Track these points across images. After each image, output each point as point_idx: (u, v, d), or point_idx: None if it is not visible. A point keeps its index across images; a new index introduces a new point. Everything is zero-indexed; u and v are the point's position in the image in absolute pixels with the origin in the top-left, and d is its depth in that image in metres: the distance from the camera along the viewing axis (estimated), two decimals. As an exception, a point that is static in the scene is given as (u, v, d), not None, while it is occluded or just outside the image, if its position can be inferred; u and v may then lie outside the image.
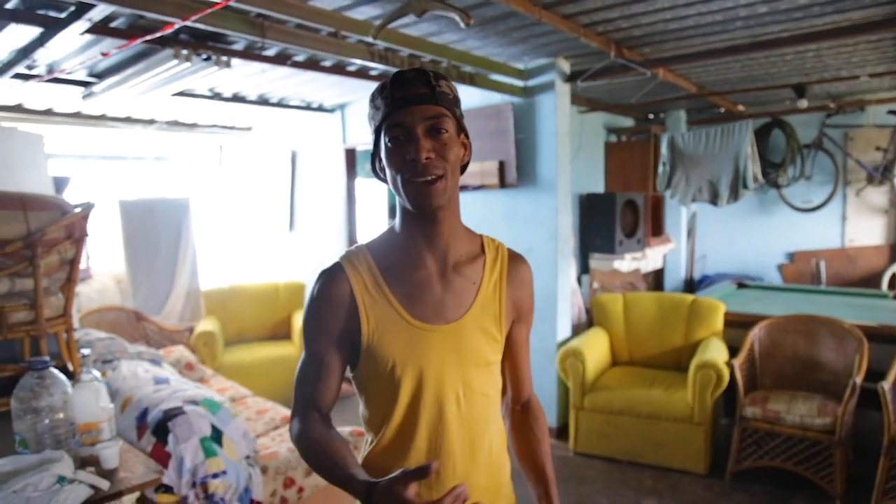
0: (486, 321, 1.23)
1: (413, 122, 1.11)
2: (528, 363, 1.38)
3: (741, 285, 5.56)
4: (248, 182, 6.35)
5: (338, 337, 1.21)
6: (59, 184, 4.42)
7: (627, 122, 6.57)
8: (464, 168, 1.23)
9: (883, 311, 4.28)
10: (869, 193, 6.03)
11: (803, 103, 4.96)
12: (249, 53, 3.38)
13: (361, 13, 2.92)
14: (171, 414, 2.27)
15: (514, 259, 1.31)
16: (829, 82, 4.83)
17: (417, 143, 1.10)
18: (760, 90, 5.14)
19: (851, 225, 6.17)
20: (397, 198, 1.20)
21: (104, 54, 2.94)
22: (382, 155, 1.17)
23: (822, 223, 6.25)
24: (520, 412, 1.40)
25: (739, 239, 6.80)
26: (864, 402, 3.32)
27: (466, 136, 1.22)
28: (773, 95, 5.52)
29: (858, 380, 3.25)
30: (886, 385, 3.05)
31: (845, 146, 6.00)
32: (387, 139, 1.13)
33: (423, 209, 1.14)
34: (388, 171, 1.16)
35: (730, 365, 3.55)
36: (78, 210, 2.37)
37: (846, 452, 3.28)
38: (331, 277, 1.22)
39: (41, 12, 2.67)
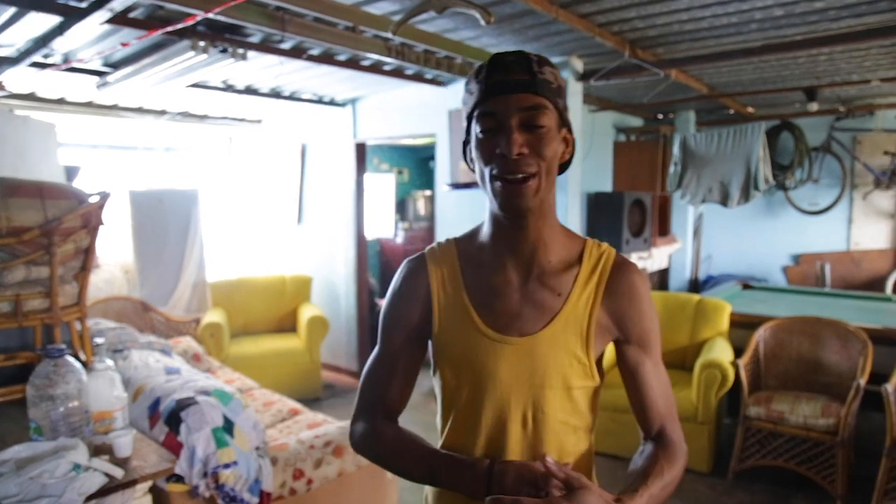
0: (571, 339, 1.07)
1: (507, 113, 0.99)
2: (653, 393, 1.12)
3: (746, 286, 5.57)
4: (257, 174, 6.37)
5: (414, 332, 1.15)
6: (70, 173, 4.45)
7: (637, 121, 6.58)
8: (564, 167, 1.10)
9: (887, 315, 4.30)
10: (876, 197, 6.04)
11: (813, 106, 4.96)
12: (266, 46, 3.39)
13: (379, 8, 2.93)
14: (184, 404, 2.28)
15: (620, 268, 1.11)
16: (839, 86, 4.83)
17: (509, 136, 0.98)
18: (770, 92, 5.14)
19: (857, 228, 6.17)
20: (486, 196, 1.09)
21: (124, 44, 2.95)
22: (472, 145, 1.06)
23: (827, 226, 6.26)
24: (649, 444, 1.12)
25: (745, 240, 6.81)
26: (867, 404, 3.34)
27: (570, 130, 1.08)
28: (782, 98, 5.52)
29: (862, 382, 3.27)
30: (890, 387, 3.07)
31: (853, 150, 6.00)
32: (478, 129, 1.02)
33: (509, 210, 1.03)
34: (476, 164, 1.06)
35: (735, 365, 3.57)
36: (95, 199, 2.39)
37: (848, 453, 3.30)
38: (410, 268, 1.17)
39: (62, 1, 2.68)
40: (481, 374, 1.08)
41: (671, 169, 5.14)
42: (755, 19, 3.20)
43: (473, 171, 1.09)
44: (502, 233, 1.09)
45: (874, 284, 5.99)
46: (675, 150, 5.14)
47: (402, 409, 1.18)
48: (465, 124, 1.08)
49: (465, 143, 1.10)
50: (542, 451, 1.07)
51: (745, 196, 4.69)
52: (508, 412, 1.07)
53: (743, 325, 4.02)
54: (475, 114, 1.03)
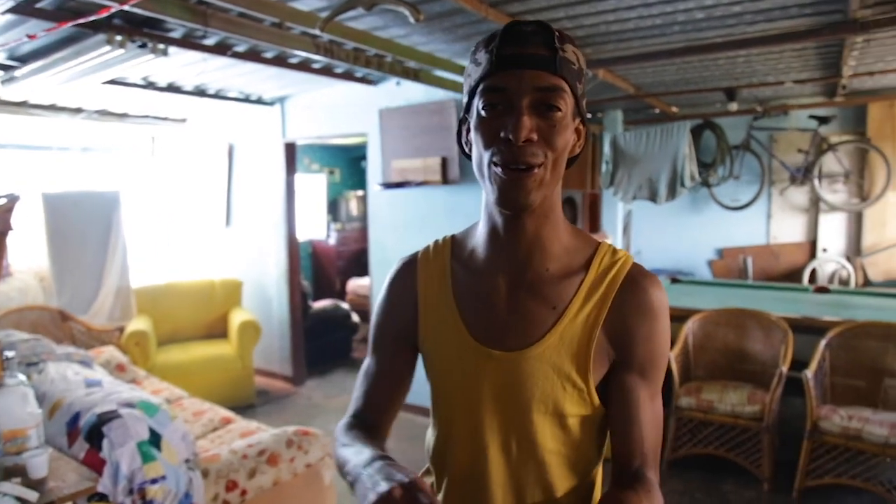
0: (564, 360, 0.93)
1: (519, 90, 0.85)
2: (641, 427, 0.93)
3: (674, 280, 5.76)
4: (182, 175, 6.13)
5: (401, 337, 1.06)
6: (-24, 175, 4.15)
7: (566, 120, 6.69)
8: (572, 161, 0.96)
9: (805, 304, 4.52)
10: (792, 193, 6.35)
11: (733, 106, 5.17)
12: (188, 42, 3.26)
13: (307, 4, 2.85)
14: (106, 418, 2.16)
15: (635, 280, 0.95)
16: (756, 87, 5.04)
17: (518, 118, 0.84)
18: (693, 92, 5.32)
19: (776, 223, 6.48)
20: (482, 184, 0.94)
21: (30, 37, 2.76)
22: (472, 124, 0.92)
23: (749, 221, 6.54)
24: (622, 483, 0.93)
25: (672, 235, 7.04)
26: (789, 390, 3.50)
27: (583, 121, 0.95)
28: (704, 98, 5.73)
29: (784, 369, 3.42)
30: (809, 373, 3.23)
31: (770, 148, 6.30)
32: (481, 105, 0.88)
33: (507, 205, 0.89)
34: (474, 147, 0.92)
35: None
36: (1, 203, 2.23)
37: (773, 438, 3.45)
38: (399, 269, 1.09)
39: (-43, -10, 2.49)
40: (461, 388, 0.98)
41: (603, 167, 5.26)
42: (678, 21, 3.29)
43: (469, 156, 0.97)
44: (496, 231, 0.96)
45: (792, 276, 6.30)
46: (606, 149, 5.26)
47: (390, 420, 1.08)
48: (465, 99, 0.94)
49: (461, 122, 0.97)
50: (526, 485, 0.96)
51: (672, 193, 4.84)
52: (489, 435, 0.96)
53: (672, 318, 4.05)
54: (480, 88, 0.88)
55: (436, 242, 1.09)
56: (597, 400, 0.95)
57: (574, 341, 0.93)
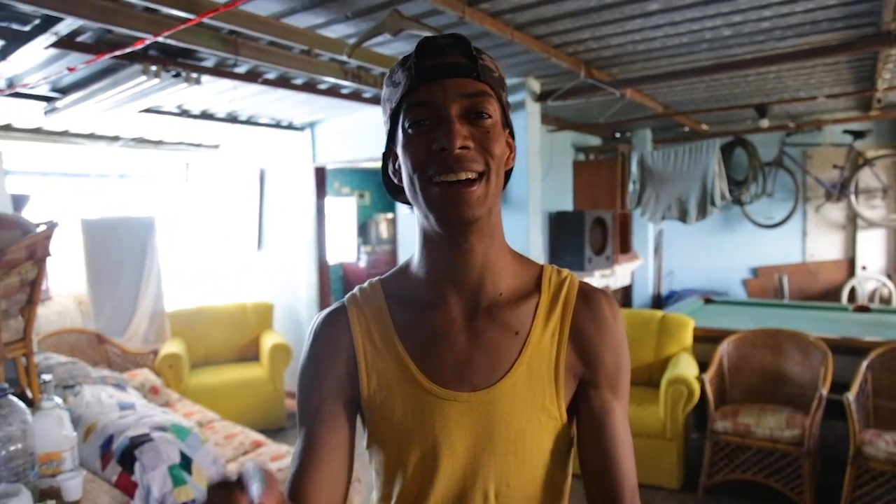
0: (537, 389, 0.86)
1: (445, 99, 0.79)
2: (622, 451, 0.87)
3: (708, 301, 5.66)
4: (215, 200, 6.25)
5: (339, 402, 0.90)
6: (18, 202, 4.29)
7: (595, 140, 6.67)
8: (508, 176, 0.91)
9: (844, 324, 4.39)
10: (827, 210, 6.22)
11: (764, 123, 5.10)
12: (220, 70, 3.34)
13: (335, 31, 2.91)
14: (138, 441, 2.19)
15: (587, 297, 0.91)
16: (788, 103, 4.97)
17: (450, 125, 0.78)
18: (723, 110, 5.27)
19: (812, 240, 6.34)
20: (416, 214, 0.88)
21: (70, 69, 2.87)
22: (399, 148, 0.85)
23: (783, 239, 6.41)
24: None
25: (705, 255, 6.93)
26: (829, 413, 3.38)
27: (512, 134, 0.89)
28: (735, 115, 5.67)
29: (824, 391, 3.32)
30: (851, 396, 3.13)
31: (804, 164, 6.19)
32: (406, 123, 0.82)
33: (451, 222, 0.81)
34: (403, 170, 0.84)
35: (700, 380, 3.59)
36: (41, 229, 2.30)
37: (814, 463, 3.33)
38: (328, 321, 0.93)
39: (3, 24, 2.60)
40: (429, 444, 0.85)
41: (630, 187, 5.22)
42: (705, 39, 3.27)
43: (398, 193, 0.90)
44: (440, 258, 0.87)
45: (830, 294, 6.14)
46: (634, 168, 5.22)
47: (345, 497, 0.90)
48: (387, 127, 0.88)
49: (386, 154, 0.90)
50: None
51: (703, 212, 4.78)
52: (465, 490, 0.85)
53: (706, 340, 4.06)
54: (404, 106, 0.82)
55: (361, 288, 0.96)
56: (571, 426, 0.90)
57: (542, 367, 0.87)
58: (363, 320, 0.92)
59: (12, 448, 1.78)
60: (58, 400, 2.00)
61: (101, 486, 1.98)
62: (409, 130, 0.82)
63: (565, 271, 0.95)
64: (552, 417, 0.87)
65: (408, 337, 0.89)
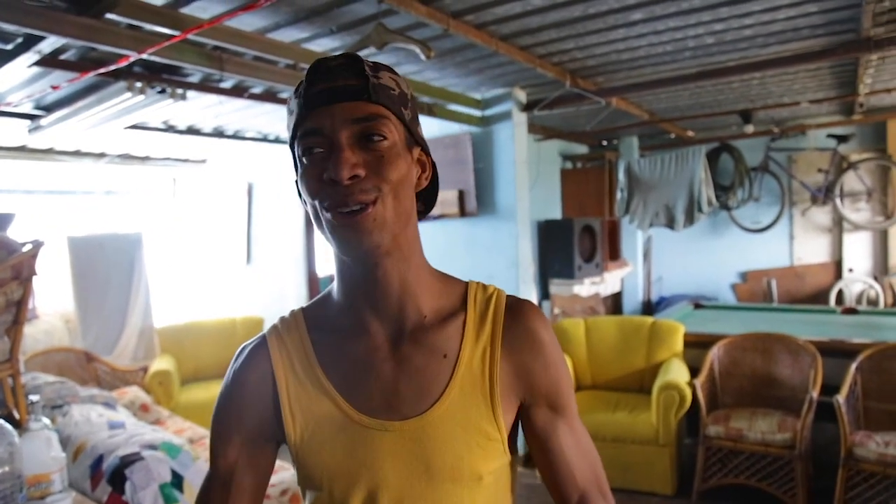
0: (472, 413, 0.83)
1: (333, 126, 0.76)
2: (569, 460, 0.88)
3: (698, 306, 5.68)
4: (203, 215, 6.23)
5: (259, 437, 0.87)
6: (3, 220, 4.24)
7: (582, 149, 6.71)
8: (426, 195, 0.90)
9: (833, 326, 4.43)
10: (813, 213, 6.28)
11: (749, 128, 5.15)
12: (205, 86, 3.34)
13: (320, 45, 2.92)
14: (129, 460, 2.16)
15: (516, 311, 0.88)
16: (772, 108, 5.03)
17: (338, 154, 0.75)
18: (709, 116, 5.32)
19: (799, 244, 6.39)
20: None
21: (54, 87, 2.86)
22: (298, 177, 0.81)
23: (771, 243, 6.46)
24: None
25: (693, 260, 6.97)
26: (820, 415, 3.40)
27: (425, 150, 0.86)
28: (720, 121, 5.73)
29: (815, 394, 3.33)
30: (841, 398, 3.14)
31: (789, 168, 6.25)
32: (300, 151, 0.79)
33: (353, 252, 0.79)
34: (305, 200, 0.81)
35: (692, 385, 3.60)
36: (26, 248, 2.28)
37: (806, 466, 3.34)
38: (246, 358, 0.89)
39: (-15, 45, 2.59)
40: (359, 477, 0.82)
41: (618, 195, 5.25)
42: (688, 47, 3.31)
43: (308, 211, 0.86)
44: (356, 284, 0.84)
45: (818, 297, 6.19)
46: (621, 176, 5.25)
47: None
48: (291, 154, 0.84)
49: (297, 181, 0.84)
50: None
51: (690, 219, 4.81)
52: None
53: (697, 345, 4.07)
54: (297, 135, 0.79)
55: (282, 319, 0.92)
56: (509, 448, 0.87)
57: (476, 389, 0.84)
58: (284, 353, 0.88)
59: (0, 471, 1.76)
60: (46, 421, 1.98)
61: (91, 507, 1.95)
62: (304, 160, 0.79)
63: (491, 287, 0.92)
64: (491, 439, 0.84)
65: (331, 368, 0.85)
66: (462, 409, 0.83)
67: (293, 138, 0.81)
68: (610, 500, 0.91)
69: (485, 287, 0.91)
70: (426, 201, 0.92)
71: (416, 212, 0.88)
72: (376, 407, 0.82)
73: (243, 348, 0.91)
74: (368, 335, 0.85)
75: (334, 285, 0.89)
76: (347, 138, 0.76)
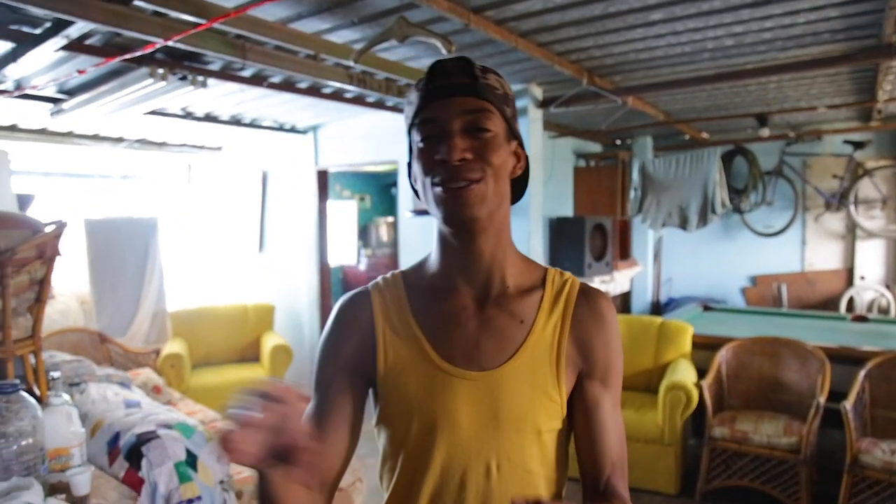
0: (539, 374, 0.94)
1: (447, 117, 0.91)
2: (608, 437, 0.98)
3: (707, 308, 5.68)
4: (217, 202, 6.28)
5: (353, 375, 0.99)
6: (24, 201, 4.31)
7: (596, 147, 6.71)
8: (521, 188, 1.02)
9: (842, 333, 4.42)
10: (827, 219, 6.25)
11: (765, 132, 5.14)
12: (226, 73, 3.38)
13: (340, 37, 2.95)
14: (145, 438, 2.21)
15: (587, 295, 1.01)
16: (788, 112, 5.02)
17: (451, 139, 0.89)
18: (724, 119, 5.31)
19: (811, 249, 6.37)
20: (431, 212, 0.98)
21: (80, 72, 2.90)
22: (413, 159, 0.97)
23: (783, 248, 6.45)
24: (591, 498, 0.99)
25: (704, 262, 6.96)
26: (827, 421, 3.41)
27: (521, 144, 0.99)
28: (736, 124, 5.71)
29: (822, 400, 3.34)
30: (848, 405, 3.15)
31: (804, 174, 6.22)
32: (417, 138, 0.94)
33: (454, 221, 0.92)
34: (417, 178, 0.96)
35: (698, 386, 3.62)
36: (50, 229, 2.33)
37: (811, 471, 3.36)
38: (350, 302, 1.03)
39: (14, 27, 2.63)
40: (436, 414, 0.93)
41: (631, 195, 5.26)
42: (707, 49, 3.31)
43: (418, 191, 1.00)
44: (452, 252, 0.98)
45: (828, 304, 6.17)
46: (635, 175, 5.26)
47: (339, 476, 0.99)
48: (407, 141, 0.99)
49: (409, 164, 1.00)
50: None
51: (703, 220, 4.81)
52: (469, 462, 0.93)
53: (705, 347, 4.09)
54: (415, 123, 0.94)
55: (384, 278, 1.06)
56: (564, 411, 0.98)
57: (545, 354, 0.96)
58: (383, 303, 1.01)
59: (23, 442, 1.81)
60: (66, 397, 2.03)
61: (109, 481, 2.00)
62: (420, 144, 0.94)
63: (567, 273, 1.04)
64: (553, 401, 0.95)
65: (423, 319, 0.98)
66: (531, 369, 0.94)
67: (412, 125, 0.96)
68: (627, 486, 0.99)
69: (562, 273, 1.04)
70: (518, 190, 1.03)
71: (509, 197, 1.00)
72: (458, 357, 0.95)
73: (348, 296, 1.05)
74: (458, 296, 0.98)
75: (430, 256, 1.03)
76: (458, 127, 0.90)
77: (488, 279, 0.98)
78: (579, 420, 0.99)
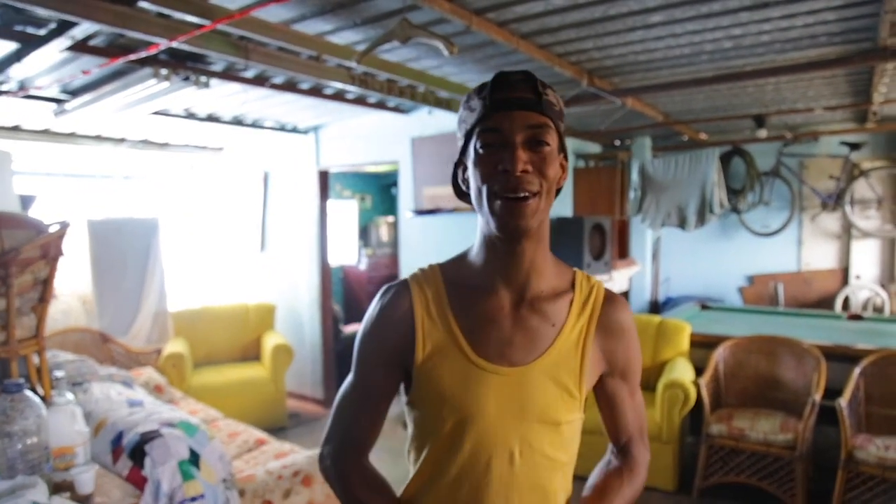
0: (563, 373, 1.04)
1: (512, 129, 0.96)
2: (626, 414, 1.15)
3: (704, 307, 5.72)
4: (218, 202, 6.30)
5: (391, 360, 1.08)
6: (26, 202, 4.33)
7: (595, 148, 6.73)
8: (557, 192, 1.07)
9: (838, 332, 4.46)
10: (823, 219, 6.29)
11: (762, 133, 5.17)
12: (228, 74, 3.40)
13: (342, 38, 2.98)
14: (148, 437, 2.23)
15: (611, 302, 1.10)
16: (786, 114, 5.04)
17: (514, 151, 0.95)
18: (722, 119, 5.34)
19: (807, 249, 6.41)
20: (479, 217, 1.04)
21: (85, 72, 2.92)
22: (469, 162, 1.01)
23: (779, 247, 6.48)
24: (615, 456, 1.19)
25: (701, 262, 6.99)
26: (822, 418, 3.45)
27: (566, 156, 1.05)
28: (733, 125, 5.74)
29: (817, 397, 3.38)
30: (843, 402, 3.19)
31: (801, 174, 6.26)
32: (478, 144, 0.98)
33: (508, 231, 0.98)
34: (472, 182, 1.01)
35: (696, 384, 3.65)
36: (54, 229, 2.35)
37: (807, 467, 3.39)
38: (393, 293, 1.09)
39: (19, 28, 2.66)
40: (468, 405, 1.01)
41: (631, 195, 5.29)
42: (706, 51, 3.34)
43: (464, 195, 1.07)
44: (496, 256, 1.04)
45: (824, 303, 6.20)
46: (635, 176, 5.29)
47: (374, 442, 1.13)
48: (461, 143, 1.05)
49: (457, 164, 1.07)
50: (528, 491, 1.03)
51: (702, 220, 4.85)
52: (494, 448, 1.01)
53: (702, 345, 4.12)
54: (477, 130, 0.99)
55: (422, 270, 1.12)
56: (582, 405, 1.08)
57: (571, 355, 1.05)
58: (423, 296, 1.08)
59: (28, 441, 1.83)
60: (70, 396, 2.05)
61: (113, 479, 2.03)
62: (480, 150, 0.99)
63: (594, 278, 1.13)
64: (573, 398, 1.05)
65: (461, 315, 1.05)
66: (556, 368, 1.03)
67: (470, 131, 1.01)
68: (647, 443, 1.19)
69: (588, 277, 1.13)
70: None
71: None
72: (492, 354, 1.03)
73: (388, 288, 1.11)
74: (496, 295, 1.05)
75: (471, 251, 1.10)
76: (521, 139, 0.96)
77: (525, 282, 1.05)
78: (602, 406, 1.15)
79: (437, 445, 1.05)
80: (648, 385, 4.13)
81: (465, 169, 1.06)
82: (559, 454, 1.05)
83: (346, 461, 1.11)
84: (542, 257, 1.05)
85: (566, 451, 1.07)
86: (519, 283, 1.04)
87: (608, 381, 1.11)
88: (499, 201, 0.97)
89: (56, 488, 1.85)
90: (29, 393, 1.88)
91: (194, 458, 2.26)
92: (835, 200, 5.96)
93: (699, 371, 3.86)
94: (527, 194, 0.96)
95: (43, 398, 2.17)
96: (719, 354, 3.93)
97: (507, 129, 0.96)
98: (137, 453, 2.20)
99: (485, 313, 1.04)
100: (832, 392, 3.40)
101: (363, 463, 1.11)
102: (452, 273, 1.10)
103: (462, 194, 1.09)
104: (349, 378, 1.13)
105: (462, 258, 1.12)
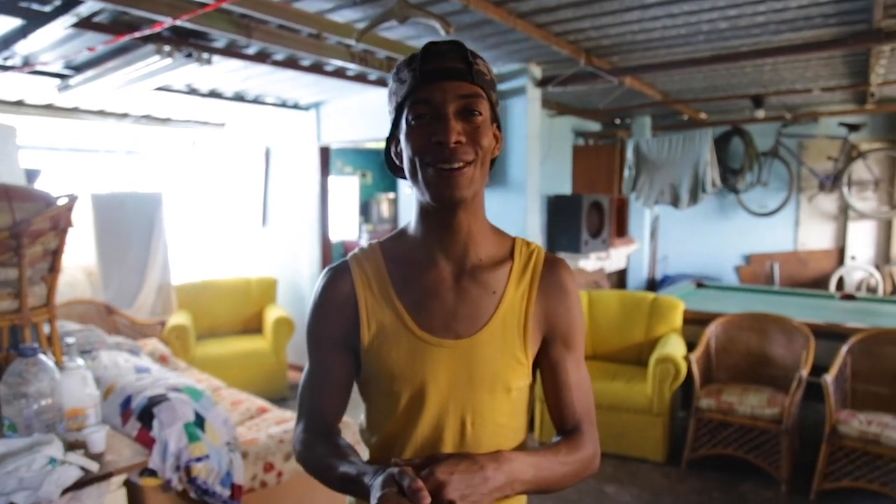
0: (508, 339, 1.04)
1: (443, 100, 0.95)
2: (571, 393, 1.09)
3: (700, 285, 5.80)
4: (220, 177, 6.36)
5: (341, 342, 1.08)
6: (31, 176, 4.40)
7: (595, 126, 6.77)
8: (492, 163, 1.06)
9: (830, 311, 4.54)
10: (820, 200, 6.35)
11: (760, 113, 5.21)
12: (230, 51, 3.44)
13: (343, 16, 3.02)
14: (156, 400, 2.33)
15: (551, 265, 1.09)
16: (784, 94, 5.08)
17: (447, 123, 0.94)
18: (721, 100, 5.37)
19: (804, 230, 6.48)
20: (414, 190, 1.04)
21: (90, 49, 2.97)
22: (402, 135, 1.01)
23: (776, 227, 6.55)
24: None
25: (699, 241, 7.07)
26: (809, 394, 3.54)
27: (499, 126, 1.05)
28: (733, 105, 5.77)
29: (804, 373, 3.47)
30: (829, 378, 3.28)
31: (799, 155, 6.30)
32: (410, 116, 0.98)
33: (443, 201, 0.98)
34: (405, 155, 1.00)
35: (687, 359, 3.74)
36: (63, 202, 2.42)
37: (792, 441, 3.49)
38: (333, 276, 1.10)
39: (24, 5, 2.70)
40: (419, 382, 1.02)
41: (626, 173, 5.35)
42: (702, 31, 3.38)
43: (397, 170, 1.08)
44: (433, 229, 1.05)
45: (820, 283, 6.29)
46: (629, 154, 5.34)
47: (339, 419, 1.13)
48: (392, 116, 1.03)
49: (390, 138, 1.06)
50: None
51: (694, 198, 4.91)
52: (446, 420, 1.03)
53: (695, 322, 4.20)
54: (408, 102, 0.98)
55: (362, 249, 1.12)
56: (531, 371, 1.08)
57: (514, 322, 1.05)
58: (364, 276, 1.08)
59: (43, 402, 1.93)
60: (80, 361, 2.14)
61: (123, 440, 2.12)
62: (412, 122, 0.98)
63: (534, 244, 1.13)
64: (520, 363, 1.05)
65: (403, 292, 1.06)
66: (502, 335, 1.04)
67: (402, 104, 0.99)
68: (595, 436, 1.10)
69: (528, 243, 1.13)
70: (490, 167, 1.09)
71: None
72: (436, 326, 1.03)
73: (329, 270, 1.12)
74: (437, 269, 1.06)
75: (410, 226, 1.10)
76: (453, 110, 0.96)
77: (464, 252, 1.05)
78: (546, 379, 1.10)
79: (391, 422, 1.05)
80: (641, 360, 4.22)
81: (397, 142, 1.05)
82: (511, 421, 1.06)
83: (315, 443, 1.08)
84: (479, 227, 1.06)
85: (517, 418, 1.08)
86: (458, 254, 1.05)
87: (551, 350, 1.08)
88: (432, 170, 0.96)
89: (70, 447, 1.95)
90: (43, 357, 1.97)
91: (199, 421, 2.36)
92: (832, 181, 6.02)
93: (691, 347, 3.95)
94: (461, 164, 0.95)
95: (55, 363, 2.27)
96: (711, 331, 4.02)
97: (438, 99, 0.95)
98: (146, 416, 2.30)
99: (427, 287, 1.05)
100: (820, 369, 3.49)
101: (332, 440, 1.09)
102: (392, 249, 1.11)
103: (396, 168, 1.09)
104: (307, 364, 1.14)
105: (401, 234, 1.12)
